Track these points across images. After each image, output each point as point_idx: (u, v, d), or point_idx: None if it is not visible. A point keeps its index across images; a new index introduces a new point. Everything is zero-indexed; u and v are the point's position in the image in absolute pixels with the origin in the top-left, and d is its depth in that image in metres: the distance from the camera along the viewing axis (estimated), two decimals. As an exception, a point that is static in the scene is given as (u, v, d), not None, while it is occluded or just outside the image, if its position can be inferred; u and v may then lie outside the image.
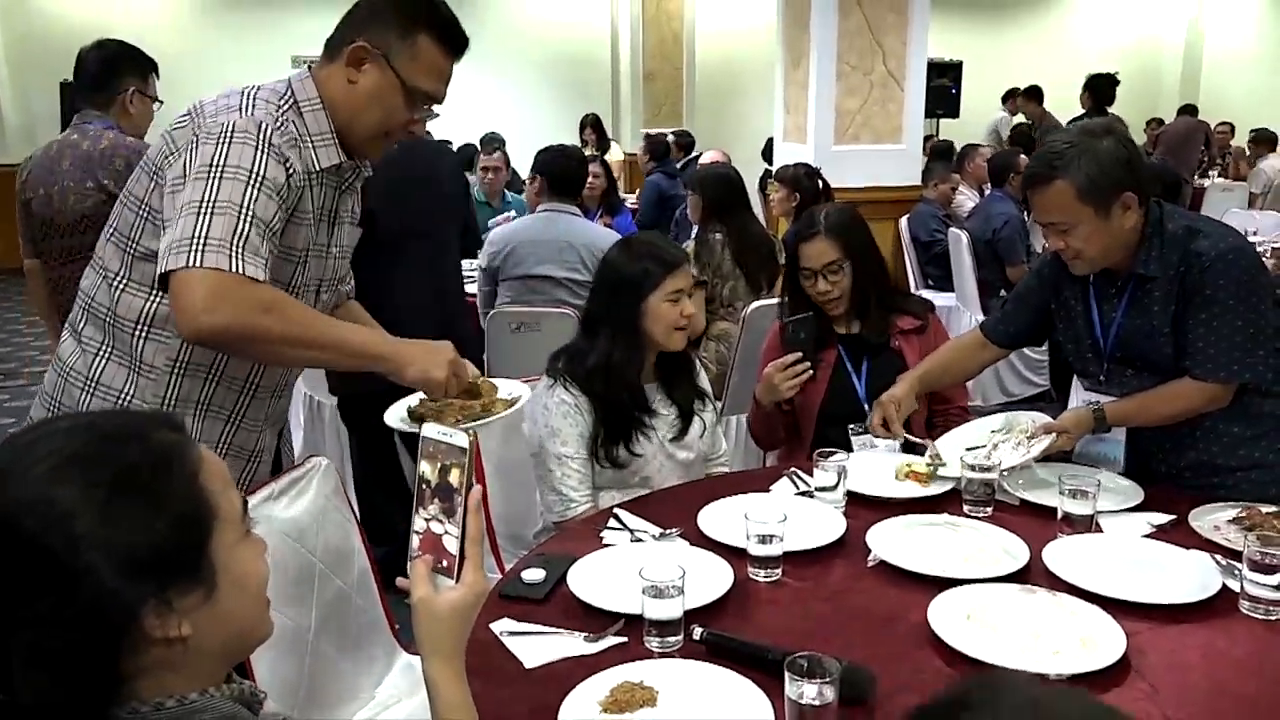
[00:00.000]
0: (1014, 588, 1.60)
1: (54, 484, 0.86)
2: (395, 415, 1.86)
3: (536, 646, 1.50)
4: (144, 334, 1.71)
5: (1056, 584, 1.63)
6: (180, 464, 0.92)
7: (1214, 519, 1.87)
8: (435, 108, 1.82)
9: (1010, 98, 10.27)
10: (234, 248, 1.55)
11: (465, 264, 4.75)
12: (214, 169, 1.59)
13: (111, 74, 3.03)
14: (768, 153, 7.31)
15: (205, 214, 1.55)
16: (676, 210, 6.23)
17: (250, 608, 0.98)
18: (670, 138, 8.16)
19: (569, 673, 1.42)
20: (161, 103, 3.16)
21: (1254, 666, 1.45)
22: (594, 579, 1.66)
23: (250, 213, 1.58)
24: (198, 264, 1.52)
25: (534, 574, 1.69)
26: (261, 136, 1.62)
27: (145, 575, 0.86)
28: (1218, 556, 1.72)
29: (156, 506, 0.88)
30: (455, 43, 1.77)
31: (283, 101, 1.71)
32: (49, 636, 0.83)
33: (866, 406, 2.40)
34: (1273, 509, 1.88)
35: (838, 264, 2.46)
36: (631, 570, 1.53)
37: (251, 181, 1.59)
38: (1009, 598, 1.56)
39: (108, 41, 3.13)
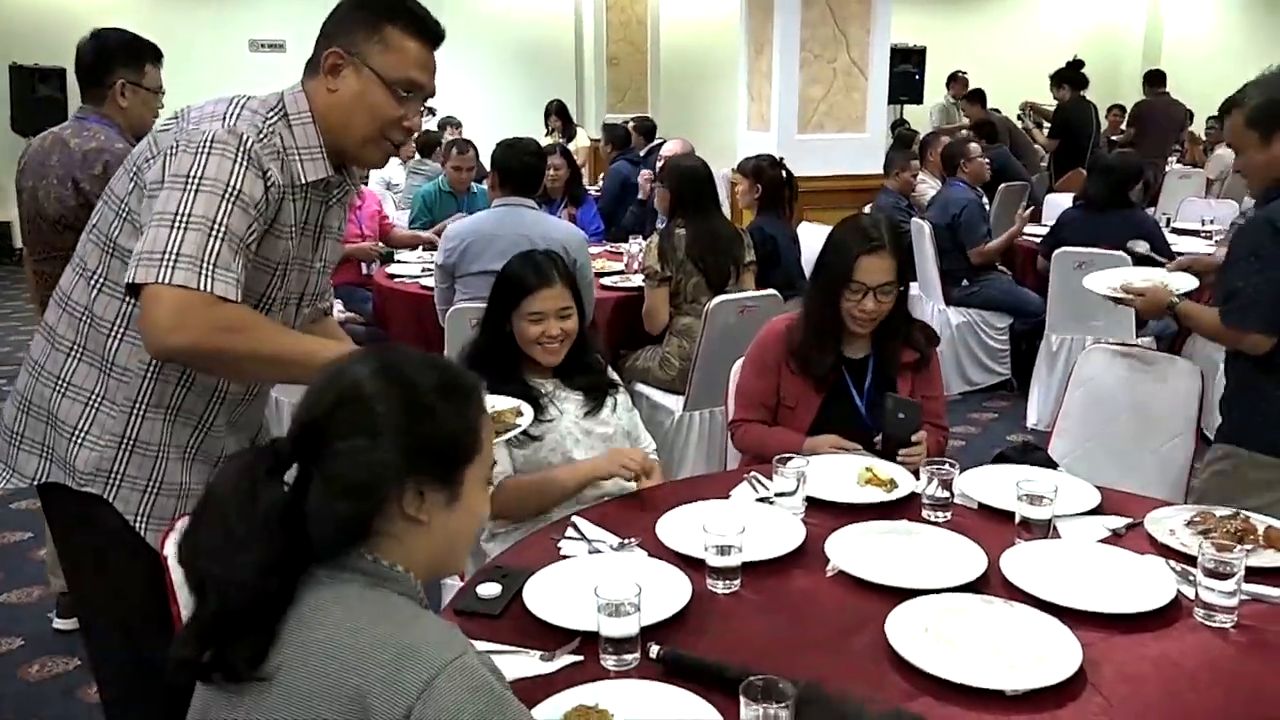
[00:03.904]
0: (972, 598, 1.60)
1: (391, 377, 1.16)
2: None
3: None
4: (119, 335, 1.70)
5: (1014, 593, 1.63)
6: (478, 402, 1.21)
7: (1170, 523, 1.88)
8: (430, 101, 1.80)
9: (952, 81, 10.31)
10: (204, 265, 1.55)
11: (422, 256, 4.71)
12: (190, 180, 1.58)
13: (101, 67, 2.90)
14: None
15: (179, 228, 1.55)
16: (639, 198, 6.18)
17: (464, 536, 1.22)
18: (630, 124, 8.10)
19: (524, 695, 1.37)
20: (164, 92, 3.03)
21: (1206, 678, 1.46)
22: (551, 594, 1.64)
23: (224, 228, 1.58)
24: (167, 280, 1.53)
25: (490, 589, 1.67)
26: (240, 148, 1.62)
27: (416, 460, 1.12)
28: (1172, 562, 1.73)
29: (448, 418, 1.15)
30: (424, 28, 1.75)
31: (271, 113, 1.70)
32: (349, 471, 1.11)
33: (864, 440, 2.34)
34: (1227, 512, 1.89)
35: (892, 286, 2.34)
36: (589, 584, 1.51)
37: (227, 195, 1.59)
38: (967, 609, 1.56)
39: (102, 31, 2.99)
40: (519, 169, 3.63)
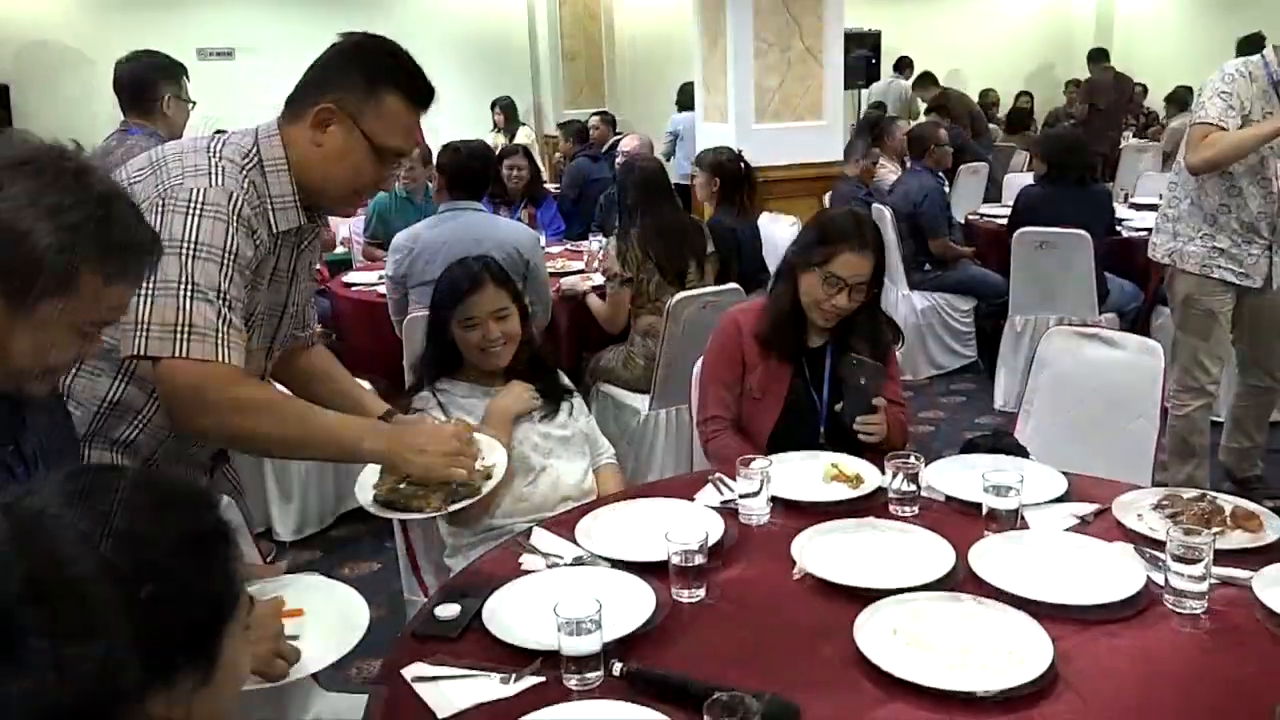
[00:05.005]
0: (941, 597, 1.56)
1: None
2: (366, 494, 1.86)
3: (451, 692, 1.42)
4: (74, 368, 1.63)
5: (983, 589, 1.59)
6: (230, 537, 0.90)
7: (1137, 507, 1.86)
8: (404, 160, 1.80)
9: (902, 66, 10.36)
10: (219, 335, 1.57)
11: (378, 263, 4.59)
12: (187, 245, 1.57)
13: (146, 84, 3.44)
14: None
15: (185, 297, 1.55)
16: (601, 195, 6.12)
17: (231, 697, 0.93)
18: (592, 119, 8.03)
19: (484, 720, 1.36)
20: (195, 103, 3.57)
21: (1178, 666, 1.44)
22: (510, 612, 1.59)
23: (227, 295, 1.59)
24: (183, 354, 1.54)
25: (448, 609, 1.61)
26: (232, 210, 1.61)
27: (159, 657, 0.82)
28: (1141, 548, 1.71)
29: (196, 585, 0.85)
30: (421, 95, 1.73)
31: (247, 161, 1.67)
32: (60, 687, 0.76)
33: (824, 429, 2.34)
34: (1194, 493, 1.87)
35: (867, 284, 2.32)
36: (549, 601, 1.47)
37: (225, 261, 1.59)
38: (936, 609, 1.53)
39: (137, 54, 3.54)
40: (464, 172, 3.57)
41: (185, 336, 1.54)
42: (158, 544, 0.83)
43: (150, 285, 1.54)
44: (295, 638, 1.43)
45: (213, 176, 1.62)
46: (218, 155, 1.65)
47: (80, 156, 1.27)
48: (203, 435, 1.65)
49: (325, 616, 1.52)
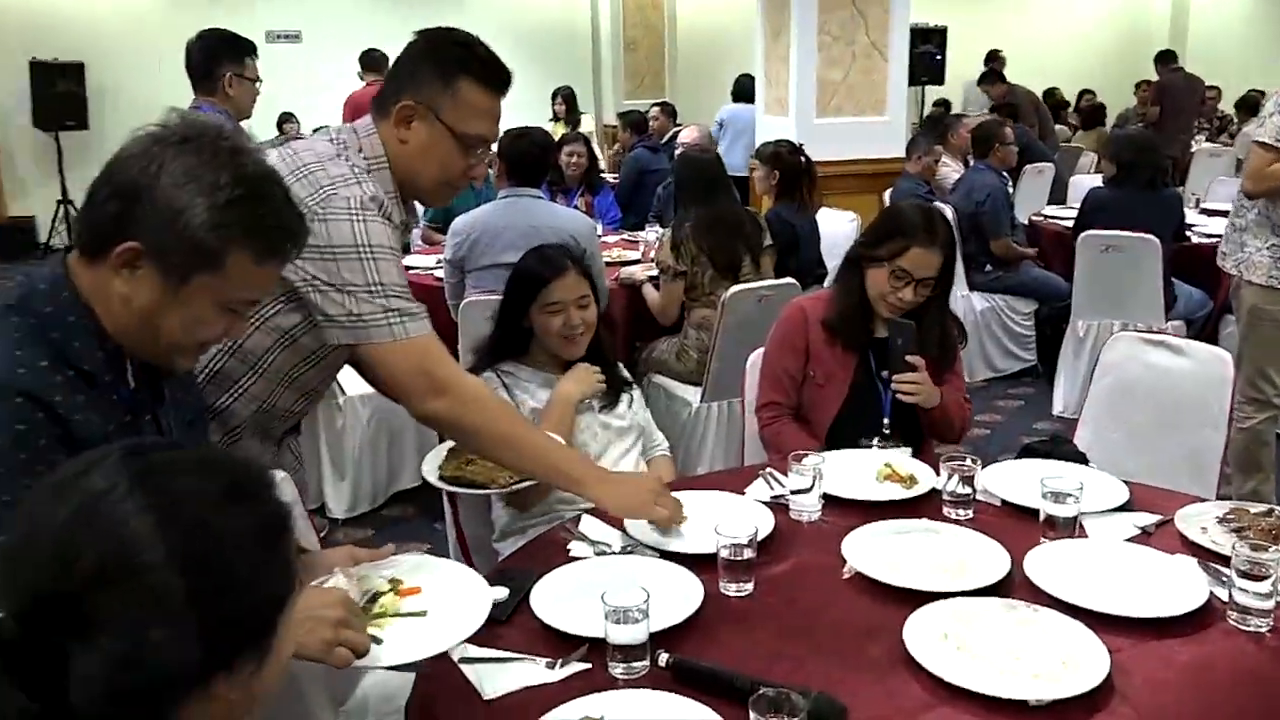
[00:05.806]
0: (994, 602, 1.53)
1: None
2: (432, 469, 1.99)
3: (497, 675, 1.44)
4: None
5: (1037, 596, 1.56)
6: (290, 524, 0.90)
7: (1202, 520, 1.81)
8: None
9: (991, 60, 10.17)
10: (421, 316, 1.70)
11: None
12: (363, 250, 1.66)
13: (211, 62, 3.53)
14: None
15: (380, 295, 1.66)
16: (659, 186, 6.10)
17: (276, 683, 0.92)
18: (653, 110, 8.01)
19: (529, 704, 1.36)
20: (260, 82, 3.65)
21: (1240, 685, 1.40)
22: (558, 598, 1.59)
23: (406, 289, 1.71)
24: (402, 335, 1.67)
25: (496, 592, 1.62)
26: (382, 211, 1.71)
27: (222, 645, 0.82)
28: (1204, 562, 1.67)
29: (260, 573, 0.85)
30: (498, 80, 1.77)
31: (361, 159, 1.76)
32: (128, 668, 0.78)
33: (888, 421, 2.33)
34: (1261, 508, 1.82)
35: (934, 279, 2.31)
36: (597, 588, 1.47)
37: (393, 258, 1.70)
38: (988, 614, 1.50)
39: (206, 32, 3.64)
40: (524, 158, 3.58)
41: (398, 319, 1.66)
42: (223, 536, 0.83)
43: (342, 287, 1.65)
44: (423, 614, 1.44)
45: (361, 185, 1.70)
46: (349, 160, 1.73)
47: (236, 136, 1.31)
48: (434, 419, 1.75)
49: (445, 595, 1.51)
